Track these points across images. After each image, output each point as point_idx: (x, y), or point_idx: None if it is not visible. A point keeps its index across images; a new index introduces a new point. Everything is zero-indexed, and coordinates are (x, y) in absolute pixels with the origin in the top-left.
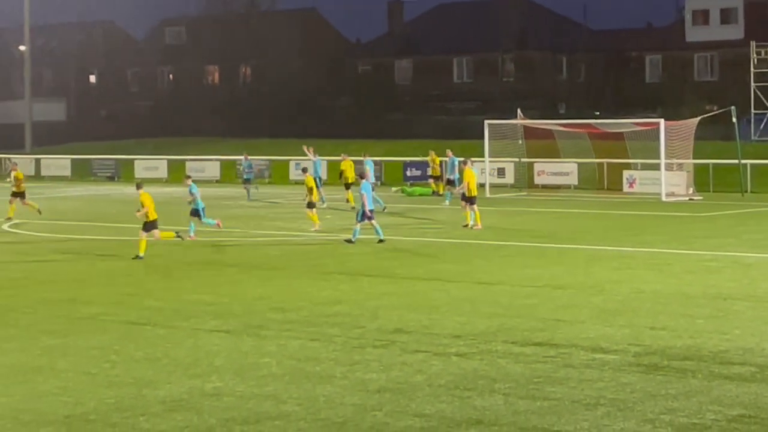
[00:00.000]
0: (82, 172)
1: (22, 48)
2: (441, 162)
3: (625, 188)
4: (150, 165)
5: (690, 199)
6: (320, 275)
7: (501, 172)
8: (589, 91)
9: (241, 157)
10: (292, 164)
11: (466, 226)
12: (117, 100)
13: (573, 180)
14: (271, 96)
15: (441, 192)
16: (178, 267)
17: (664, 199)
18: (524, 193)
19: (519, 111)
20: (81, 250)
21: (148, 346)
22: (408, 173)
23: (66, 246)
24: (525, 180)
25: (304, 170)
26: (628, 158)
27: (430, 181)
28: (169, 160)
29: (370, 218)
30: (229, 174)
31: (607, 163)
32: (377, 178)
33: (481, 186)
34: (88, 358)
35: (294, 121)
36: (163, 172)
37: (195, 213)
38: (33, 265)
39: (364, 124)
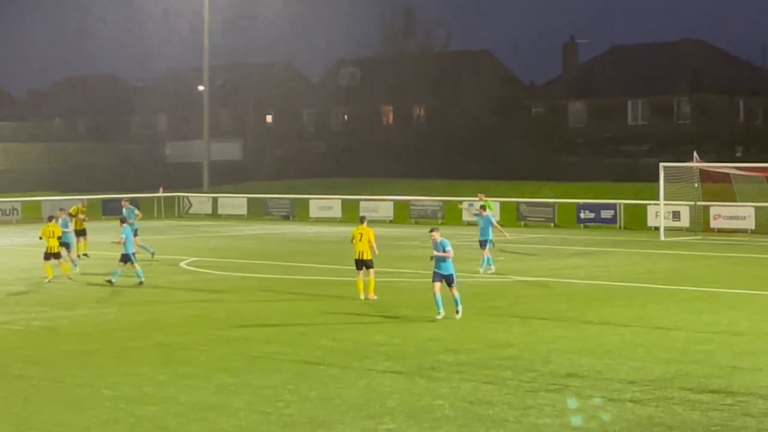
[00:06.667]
0: (257, 211)
1: (201, 88)
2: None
3: None
4: (324, 204)
5: None
6: (492, 317)
7: (676, 215)
8: (767, 135)
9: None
10: (464, 205)
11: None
12: (292, 140)
13: (750, 224)
14: (445, 137)
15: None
16: (350, 307)
17: None
18: (699, 237)
19: (695, 154)
20: (256, 289)
21: (322, 386)
22: (581, 215)
23: (242, 284)
24: (700, 223)
25: (50, 218)
26: None
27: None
28: (343, 200)
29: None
30: (402, 214)
31: None
32: (550, 219)
33: (656, 229)
34: (263, 397)
35: (467, 162)
36: (337, 211)
37: (123, 257)
38: (210, 303)
39: (536, 166)
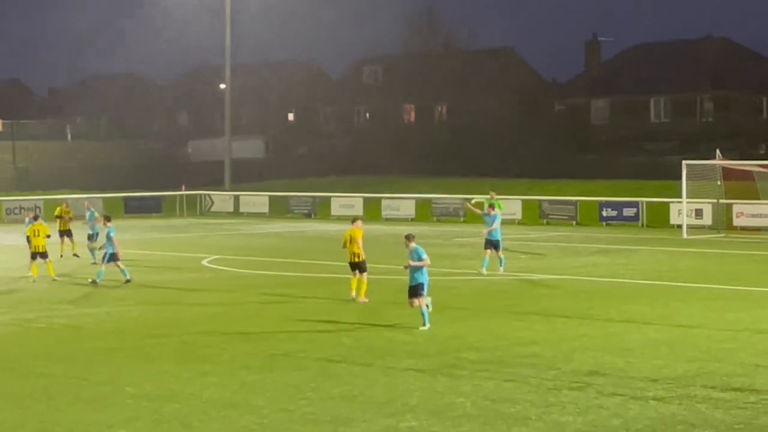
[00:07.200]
0: (279, 209)
1: (222, 87)
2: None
3: None
4: (346, 202)
5: None
6: (514, 315)
7: (699, 213)
8: None
9: None
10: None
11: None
12: (314, 138)
13: None
14: (466, 134)
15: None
16: (372, 305)
17: None
18: (722, 235)
19: (718, 151)
20: (278, 287)
21: (344, 384)
22: (604, 213)
23: (263, 282)
24: (723, 221)
25: (35, 218)
26: None
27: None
28: (364, 198)
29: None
30: (424, 212)
31: None
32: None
33: (678, 227)
34: (285, 395)
35: (489, 160)
36: (359, 209)
37: (112, 258)
38: (231, 300)
39: (559, 163)
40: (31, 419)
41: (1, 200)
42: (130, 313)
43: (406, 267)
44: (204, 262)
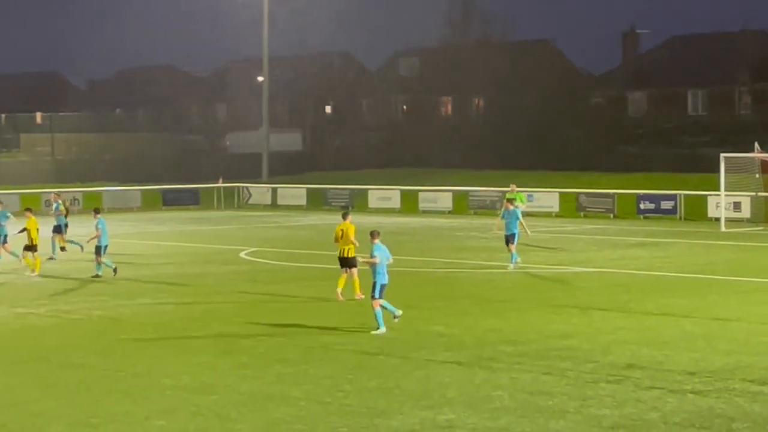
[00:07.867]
0: (317, 202)
1: (260, 79)
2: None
3: None
4: (383, 195)
5: None
6: (551, 308)
7: (737, 206)
8: None
9: None
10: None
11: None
12: (351, 131)
13: None
14: (504, 127)
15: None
16: (409, 298)
17: None
18: (761, 228)
19: (756, 144)
20: (315, 279)
21: (381, 376)
22: (641, 206)
23: (301, 274)
24: (762, 214)
25: (28, 210)
26: None
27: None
28: (402, 191)
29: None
30: (461, 205)
31: None
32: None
33: (716, 220)
34: (322, 387)
35: (526, 153)
36: (396, 202)
37: (98, 251)
38: (269, 293)
39: (596, 156)
40: (68, 410)
41: (40, 192)
42: (167, 306)
43: (363, 263)
44: (242, 255)
